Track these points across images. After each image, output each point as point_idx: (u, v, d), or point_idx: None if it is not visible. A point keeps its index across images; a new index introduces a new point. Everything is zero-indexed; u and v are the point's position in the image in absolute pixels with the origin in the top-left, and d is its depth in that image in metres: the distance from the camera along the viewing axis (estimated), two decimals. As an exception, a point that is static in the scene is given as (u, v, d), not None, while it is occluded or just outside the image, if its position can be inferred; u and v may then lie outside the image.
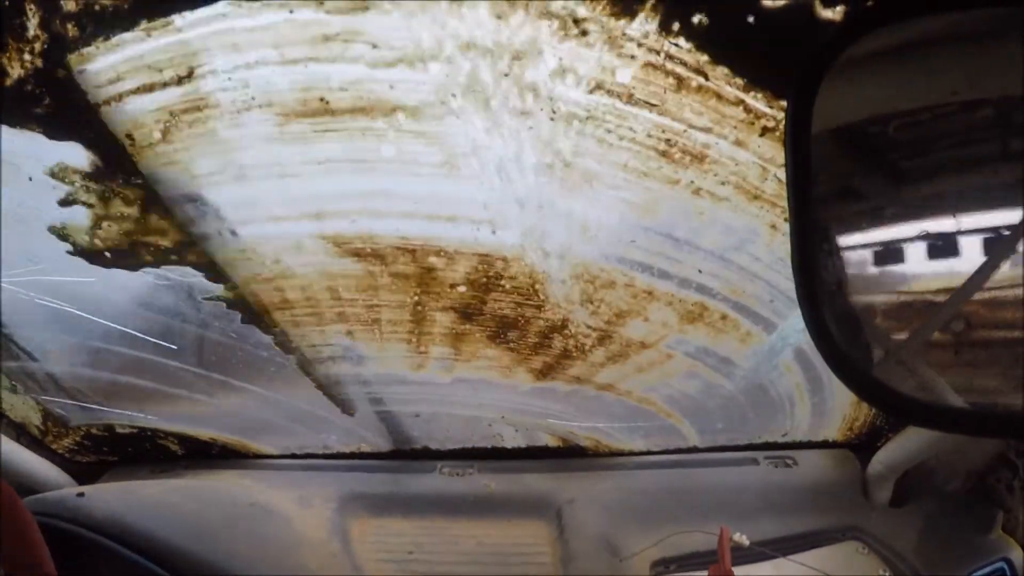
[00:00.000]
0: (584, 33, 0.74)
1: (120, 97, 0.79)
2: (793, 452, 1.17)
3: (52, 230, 0.89)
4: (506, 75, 0.76)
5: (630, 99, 0.78)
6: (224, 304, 0.99)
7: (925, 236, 0.59)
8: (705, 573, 0.88)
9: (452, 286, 0.95)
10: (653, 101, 0.78)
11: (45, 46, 0.74)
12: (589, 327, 0.99)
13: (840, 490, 1.10)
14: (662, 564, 0.98)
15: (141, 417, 1.12)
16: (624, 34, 0.73)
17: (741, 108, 0.78)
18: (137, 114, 0.80)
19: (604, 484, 1.13)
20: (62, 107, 0.79)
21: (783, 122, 0.57)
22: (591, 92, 0.78)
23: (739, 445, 1.18)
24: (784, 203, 0.62)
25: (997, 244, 0.55)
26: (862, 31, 0.54)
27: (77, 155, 0.83)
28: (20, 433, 1.09)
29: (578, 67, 0.76)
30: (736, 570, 0.87)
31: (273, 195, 0.88)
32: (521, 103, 0.79)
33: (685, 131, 0.80)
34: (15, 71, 0.75)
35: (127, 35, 0.74)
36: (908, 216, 0.61)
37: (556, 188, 0.85)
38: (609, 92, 0.78)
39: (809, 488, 1.11)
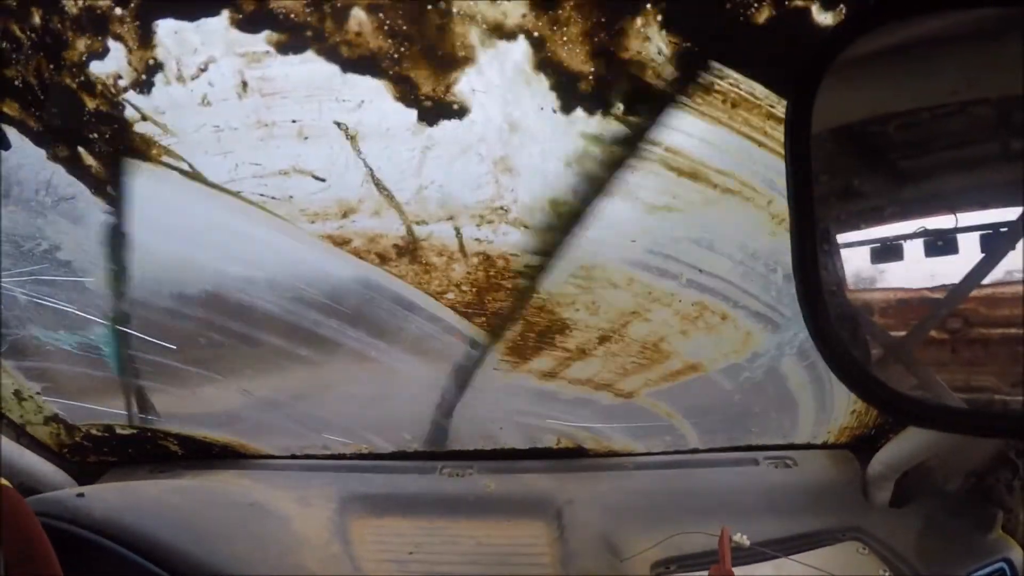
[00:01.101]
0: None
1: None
2: (793, 452, 1.17)
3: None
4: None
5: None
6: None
7: (924, 235, 0.59)
8: (706, 574, 0.88)
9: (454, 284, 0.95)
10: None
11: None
12: (590, 327, 0.99)
13: (840, 490, 1.09)
14: (663, 564, 0.98)
15: (142, 417, 1.12)
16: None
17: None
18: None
19: (604, 484, 1.12)
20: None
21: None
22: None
23: (739, 446, 1.18)
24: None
25: (996, 242, 0.55)
26: (861, 31, 0.54)
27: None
28: (20, 433, 1.09)
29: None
30: (737, 570, 0.87)
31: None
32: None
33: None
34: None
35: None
36: (907, 215, 0.61)
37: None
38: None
39: (809, 488, 1.11)
